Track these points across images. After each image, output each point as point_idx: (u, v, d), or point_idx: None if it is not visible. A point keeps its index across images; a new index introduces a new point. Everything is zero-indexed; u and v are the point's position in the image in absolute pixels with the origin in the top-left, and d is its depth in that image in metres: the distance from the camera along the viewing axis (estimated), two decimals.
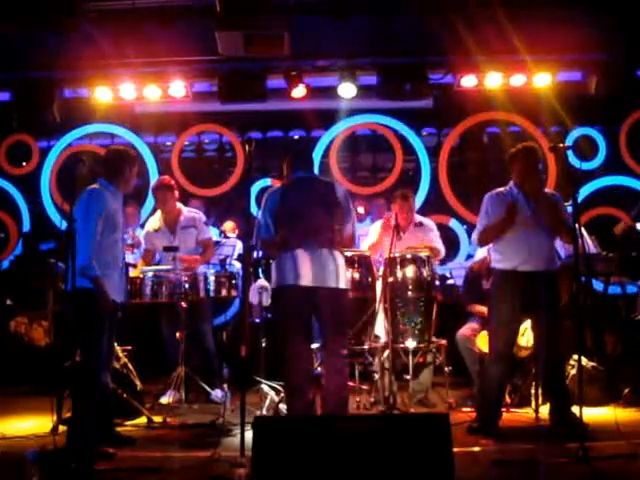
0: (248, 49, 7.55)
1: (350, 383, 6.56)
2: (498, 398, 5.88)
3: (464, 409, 6.54)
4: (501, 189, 5.95)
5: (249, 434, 4.06)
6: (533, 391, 6.35)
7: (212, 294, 6.73)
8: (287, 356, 5.39)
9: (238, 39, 7.42)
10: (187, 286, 6.61)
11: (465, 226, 9.80)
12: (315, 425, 4.13)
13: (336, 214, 5.56)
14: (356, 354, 6.59)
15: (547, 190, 6.15)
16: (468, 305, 7.34)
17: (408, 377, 6.55)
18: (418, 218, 7.50)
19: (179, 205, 7.40)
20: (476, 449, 5.29)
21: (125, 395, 6.17)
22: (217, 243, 8.00)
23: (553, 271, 5.80)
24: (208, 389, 7.00)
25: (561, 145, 5.71)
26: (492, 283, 6.06)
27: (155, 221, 7.38)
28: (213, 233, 8.32)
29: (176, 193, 7.37)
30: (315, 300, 5.40)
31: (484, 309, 6.89)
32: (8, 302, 8.62)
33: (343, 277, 5.48)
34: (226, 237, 8.78)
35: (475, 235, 6.03)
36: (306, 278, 5.35)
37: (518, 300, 5.72)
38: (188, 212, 7.40)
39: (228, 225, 9.25)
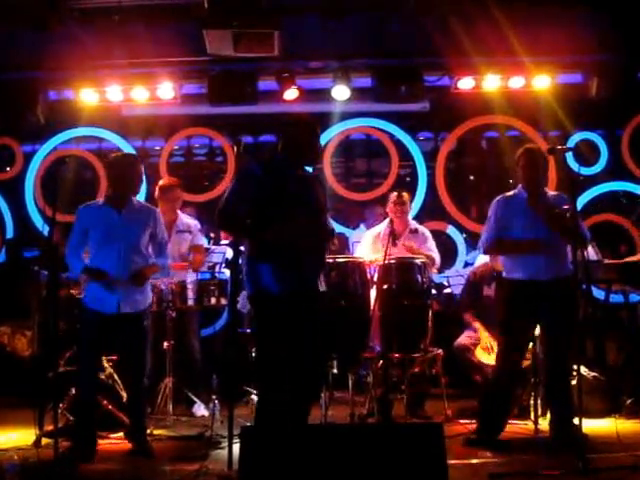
0: (237, 48, 7.44)
1: (343, 394, 6.53)
2: (504, 411, 5.73)
3: (462, 421, 6.42)
4: (509, 193, 5.84)
5: (238, 447, 3.93)
6: (532, 402, 6.18)
7: (201, 303, 6.66)
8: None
9: (227, 38, 7.32)
10: (175, 294, 6.56)
11: (464, 234, 9.59)
12: (305, 436, 4.00)
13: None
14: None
15: (553, 192, 6.04)
16: (464, 312, 7.22)
17: (403, 387, 6.40)
18: (413, 224, 7.32)
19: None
20: (474, 461, 5.17)
21: (110, 407, 6.00)
22: (206, 250, 7.87)
23: (566, 278, 5.57)
24: (195, 399, 6.90)
25: (560, 147, 5.61)
26: (502, 294, 5.96)
27: None
28: (204, 241, 8.20)
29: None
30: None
31: (472, 321, 7.01)
32: None
33: None
34: (216, 244, 8.62)
35: (484, 243, 5.84)
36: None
37: (530, 310, 5.59)
38: (185, 218, 7.40)
39: None
